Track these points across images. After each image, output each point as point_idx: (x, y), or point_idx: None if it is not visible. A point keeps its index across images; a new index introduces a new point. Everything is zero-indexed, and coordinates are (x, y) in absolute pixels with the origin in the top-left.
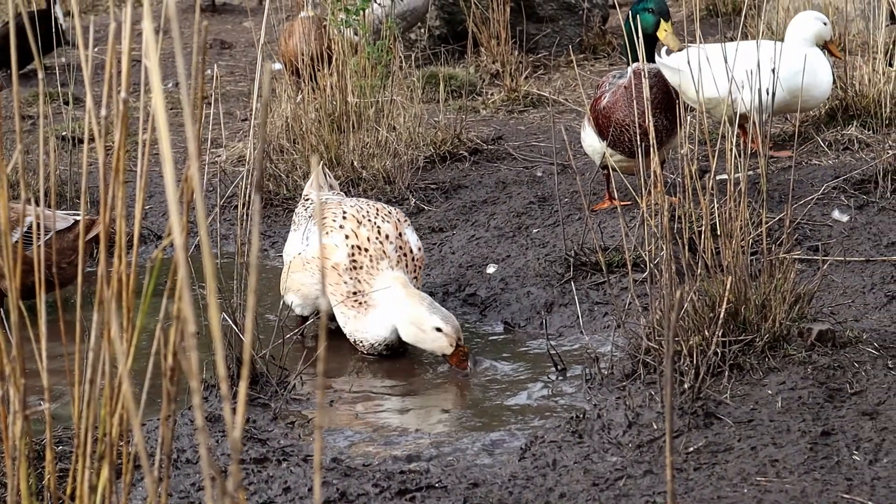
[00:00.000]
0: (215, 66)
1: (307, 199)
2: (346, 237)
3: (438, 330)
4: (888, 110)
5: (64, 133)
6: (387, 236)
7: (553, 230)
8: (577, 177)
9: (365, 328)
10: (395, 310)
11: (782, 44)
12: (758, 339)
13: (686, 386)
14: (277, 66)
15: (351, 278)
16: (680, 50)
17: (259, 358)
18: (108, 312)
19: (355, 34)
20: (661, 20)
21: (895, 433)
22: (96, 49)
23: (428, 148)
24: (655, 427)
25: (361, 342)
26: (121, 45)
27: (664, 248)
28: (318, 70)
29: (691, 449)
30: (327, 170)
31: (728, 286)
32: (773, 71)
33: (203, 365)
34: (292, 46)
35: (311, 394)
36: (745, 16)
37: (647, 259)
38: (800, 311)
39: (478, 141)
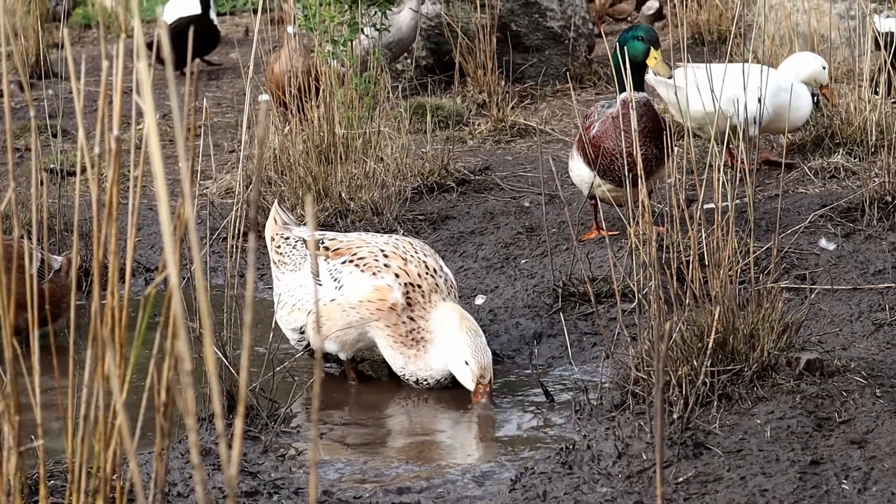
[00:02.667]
0: (203, 97)
1: (286, 238)
2: (397, 276)
3: (466, 363)
4: (874, 138)
5: (52, 166)
6: (435, 270)
7: (541, 261)
8: (564, 207)
9: (428, 366)
10: (448, 341)
11: (768, 67)
12: (746, 369)
13: (675, 416)
14: (265, 97)
15: (408, 318)
16: (670, 77)
17: (249, 391)
18: (101, 347)
19: (342, 65)
20: (651, 48)
21: (884, 462)
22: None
23: (415, 179)
24: (645, 457)
25: (426, 381)
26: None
27: (652, 278)
28: (306, 101)
29: (681, 479)
30: (283, 207)
31: (716, 316)
32: (759, 101)
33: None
34: (279, 71)
35: (302, 426)
36: (731, 44)
37: (635, 289)
38: (788, 340)
39: (465, 171)
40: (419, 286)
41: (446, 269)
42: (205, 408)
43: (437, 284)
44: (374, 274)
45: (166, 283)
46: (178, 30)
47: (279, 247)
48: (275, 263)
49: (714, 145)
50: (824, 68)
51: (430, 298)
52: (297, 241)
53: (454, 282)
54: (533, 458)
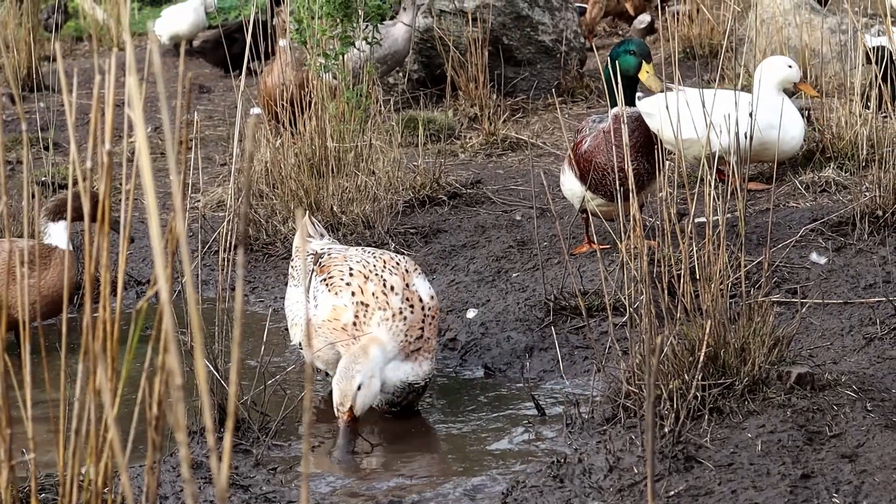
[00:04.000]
0: (194, 111)
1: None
2: (353, 294)
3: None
4: (865, 152)
5: (44, 179)
6: (392, 288)
7: (532, 274)
8: (556, 220)
9: None
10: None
11: (756, 95)
12: (737, 383)
13: (666, 430)
14: (257, 110)
15: (354, 337)
16: (661, 91)
17: (241, 404)
18: (93, 361)
19: (334, 78)
20: (643, 62)
21: (874, 476)
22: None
23: (407, 192)
24: (636, 471)
25: (380, 404)
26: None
27: (643, 291)
28: (298, 114)
29: (672, 493)
30: (314, 219)
31: (707, 330)
32: (751, 115)
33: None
34: (271, 84)
35: (293, 439)
36: (723, 58)
37: (626, 303)
38: (779, 354)
39: (456, 185)
40: (367, 304)
41: (417, 288)
42: (196, 421)
43: (387, 302)
44: (336, 294)
45: (158, 297)
46: (229, 33)
47: (293, 259)
48: (289, 276)
49: (705, 161)
50: (791, 67)
51: (371, 317)
52: (308, 255)
53: (430, 301)
54: (524, 472)
